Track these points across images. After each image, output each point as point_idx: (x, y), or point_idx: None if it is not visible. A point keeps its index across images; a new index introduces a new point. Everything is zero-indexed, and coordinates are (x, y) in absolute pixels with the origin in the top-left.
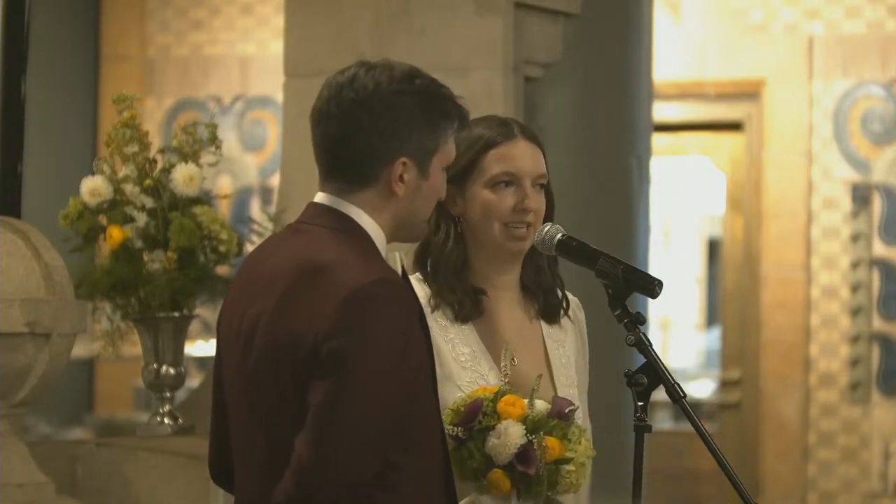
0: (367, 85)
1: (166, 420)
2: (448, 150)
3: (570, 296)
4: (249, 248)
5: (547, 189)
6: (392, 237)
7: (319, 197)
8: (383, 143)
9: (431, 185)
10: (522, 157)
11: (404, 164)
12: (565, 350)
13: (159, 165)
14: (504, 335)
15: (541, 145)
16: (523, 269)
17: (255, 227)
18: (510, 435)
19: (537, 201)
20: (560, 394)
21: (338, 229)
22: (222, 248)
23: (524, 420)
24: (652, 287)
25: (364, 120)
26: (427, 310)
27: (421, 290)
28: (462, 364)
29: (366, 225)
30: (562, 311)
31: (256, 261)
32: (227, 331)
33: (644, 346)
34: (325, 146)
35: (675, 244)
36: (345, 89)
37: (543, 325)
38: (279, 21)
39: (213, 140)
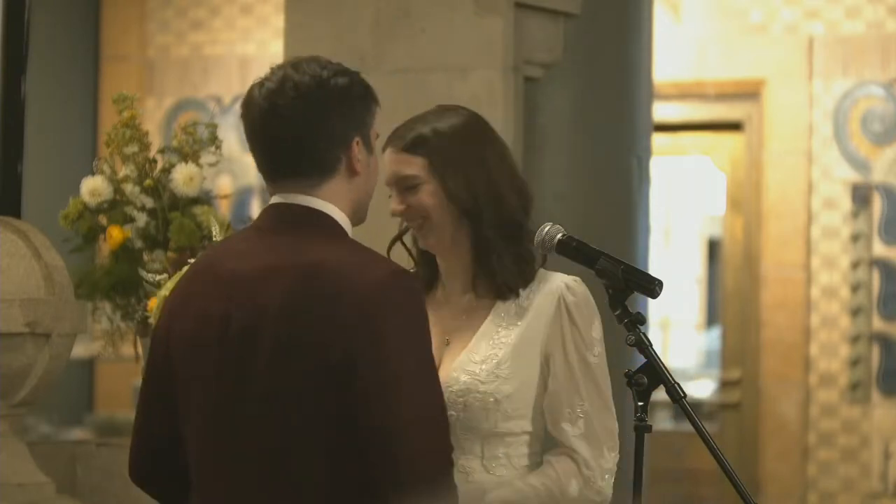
0: (305, 80)
1: None
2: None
3: (562, 277)
4: None
5: (454, 184)
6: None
7: (287, 197)
8: (341, 126)
9: (375, 160)
10: (386, 167)
11: (357, 143)
12: (513, 330)
13: (159, 165)
14: (447, 321)
15: (410, 147)
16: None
17: None
18: None
19: (402, 202)
20: (465, 366)
21: (321, 228)
22: None
23: None
24: (652, 287)
25: (320, 109)
26: None
27: None
28: None
29: (339, 219)
30: (517, 291)
31: (224, 263)
32: (195, 333)
33: (644, 346)
34: (282, 146)
35: (675, 244)
36: (285, 90)
37: (498, 302)
38: (279, 21)
39: (213, 140)
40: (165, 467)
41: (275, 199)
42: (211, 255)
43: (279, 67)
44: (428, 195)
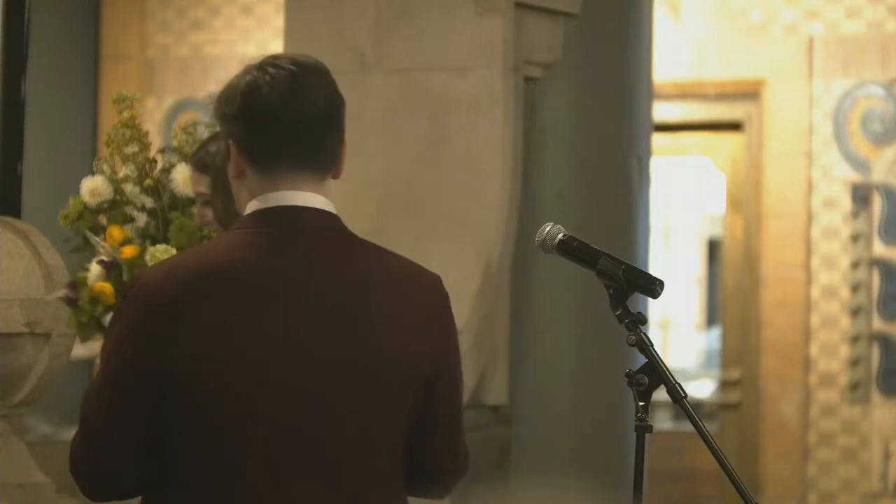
0: (320, 66)
1: None
2: None
3: None
4: None
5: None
6: None
7: (291, 196)
8: (342, 119)
9: None
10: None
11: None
12: None
13: (159, 165)
14: None
15: (198, 166)
16: None
17: None
18: None
19: (201, 216)
20: None
21: (342, 232)
22: None
23: None
24: (653, 287)
25: (336, 95)
26: None
27: None
28: None
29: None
30: None
31: (259, 274)
32: (248, 351)
33: (645, 346)
34: (309, 130)
35: (675, 244)
36: (308, 71)
37: None
38: (279, 21)
39: None
40: (131, 480)
41: (276, 199)
42: (223, 263)
43: (274, 57)
44: (207, 210)
